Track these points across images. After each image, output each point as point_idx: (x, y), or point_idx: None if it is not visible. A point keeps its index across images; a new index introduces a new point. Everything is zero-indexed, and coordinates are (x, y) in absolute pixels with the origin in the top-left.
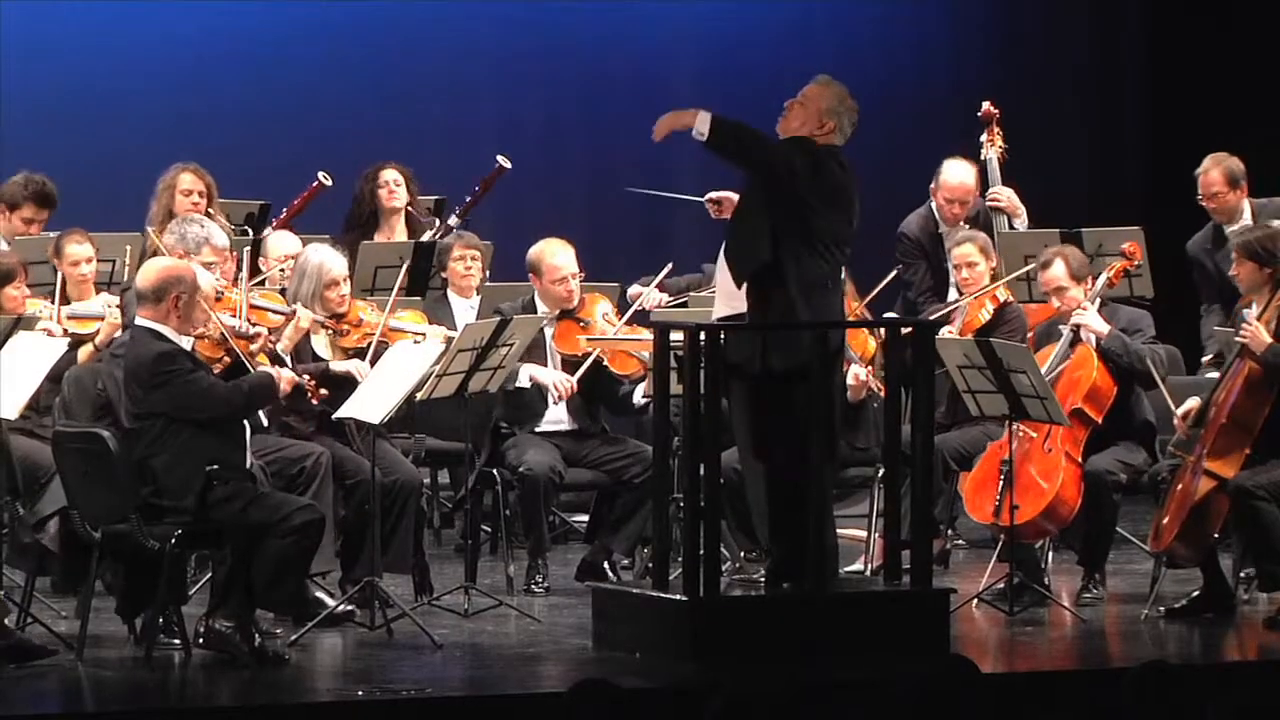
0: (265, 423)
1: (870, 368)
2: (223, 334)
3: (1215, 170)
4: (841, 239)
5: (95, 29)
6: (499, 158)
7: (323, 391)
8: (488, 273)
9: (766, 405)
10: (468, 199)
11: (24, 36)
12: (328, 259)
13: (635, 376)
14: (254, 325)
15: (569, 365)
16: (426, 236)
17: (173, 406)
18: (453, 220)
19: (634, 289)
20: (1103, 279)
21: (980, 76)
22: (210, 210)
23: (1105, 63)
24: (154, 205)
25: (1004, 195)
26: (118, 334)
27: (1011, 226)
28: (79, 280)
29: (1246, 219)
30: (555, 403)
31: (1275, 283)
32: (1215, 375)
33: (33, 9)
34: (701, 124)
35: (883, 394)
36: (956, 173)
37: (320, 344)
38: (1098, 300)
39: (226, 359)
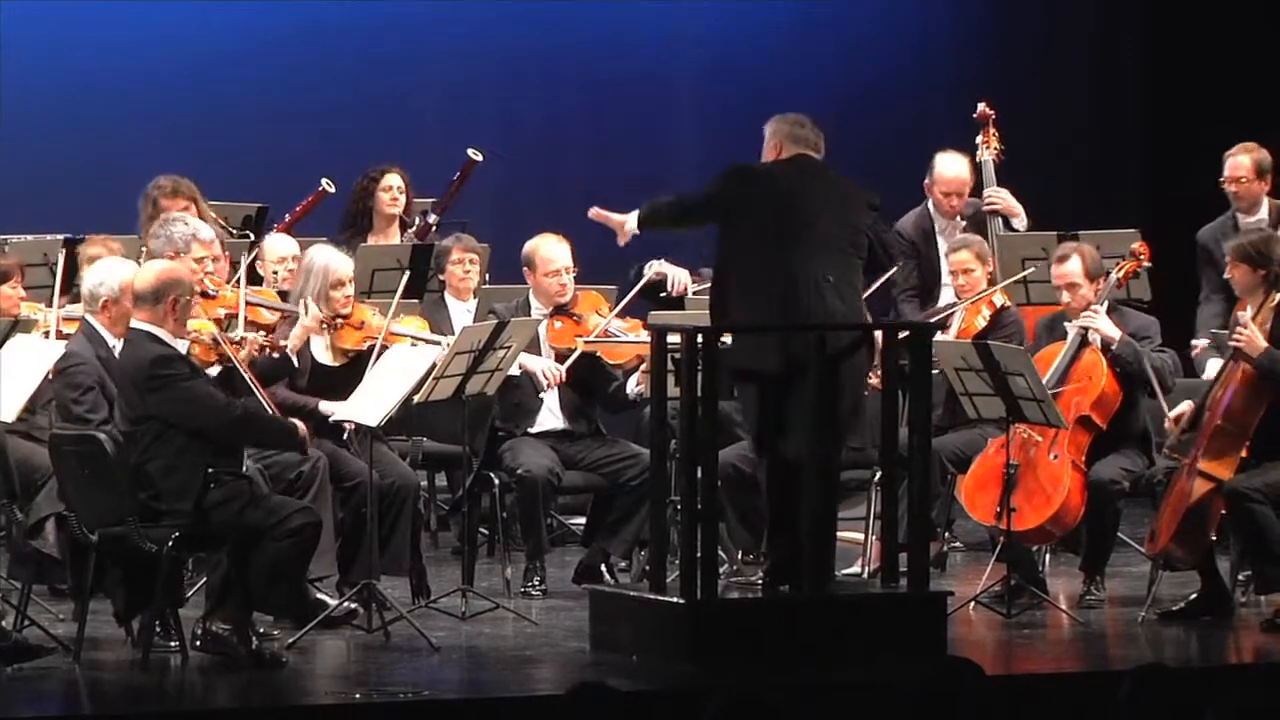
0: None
1: None
2: (214, 338)
3: (1245, 155)
4: (794, 240)
5: (94, 30)
6: (469, 150)
7: (281, 343)
8: (486, 275)
9: (767, 407)
10: (442, 195)
11: (24, 38)
12: (333, 259)
13: (628, 367)
14: (246, 330)
15: (561, 360)
16: (408, 235)
17: (166, 413)
18: (431, 218)
19: (656, 267)
20: (1112, 279)
21: (980, 76)
22: (204, 217)
23: (1105, 63)
24: (144, 225)
25: (1000, 196)
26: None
27: (1010, 227)
28: None
29: (1264, 214)
30: (544, 390)
31: (1269, 285)
32: (1212, 363)
33: (33, 10)
34: (631, 223)
35: (875, 384)
36: (949, 165)
37: (319, 346)
38: (1107, 303)
39: (220, 364)
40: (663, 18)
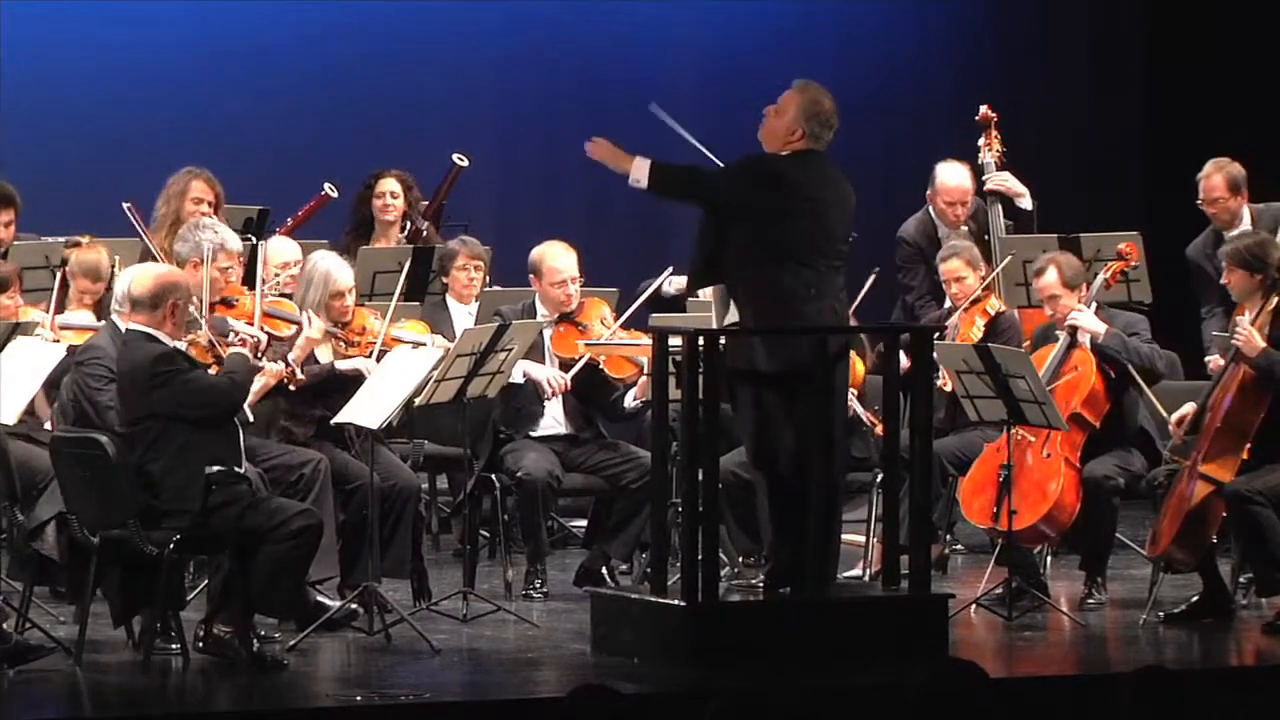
0: (250, 417)
1: (853, 393)
2: (210, 340)
3: (1217, 175)
4: (811, 247)
5: (96, 33)
6: (455, 156)
7: (300, 377)
8: (488, 278)
9: (767, 410)
10: (425, 202)
11: (26, 40)
12: (335, 269)
13: (630, 380)
14: (237, 331)
15: (565, 368)
16: (399, 240)
17: (173, 405)
18: (422, 223)
19: (677, 282)
20: (1099, 280)
21: (980, 79)
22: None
23: (1105, 64)
24: (161, 209)
25: (1002, 180)
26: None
27: (1018, 208)
28: None
29: (1246, 224)
30: (547, 399)
31: (1267, 289)
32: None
33: (35, 12)
34: (639, 172)
35: (870, 424)
36: (952, 175)
37: (323, 351)
38: (1093, 303)
39: (216, 365)
40: (662, 19)
